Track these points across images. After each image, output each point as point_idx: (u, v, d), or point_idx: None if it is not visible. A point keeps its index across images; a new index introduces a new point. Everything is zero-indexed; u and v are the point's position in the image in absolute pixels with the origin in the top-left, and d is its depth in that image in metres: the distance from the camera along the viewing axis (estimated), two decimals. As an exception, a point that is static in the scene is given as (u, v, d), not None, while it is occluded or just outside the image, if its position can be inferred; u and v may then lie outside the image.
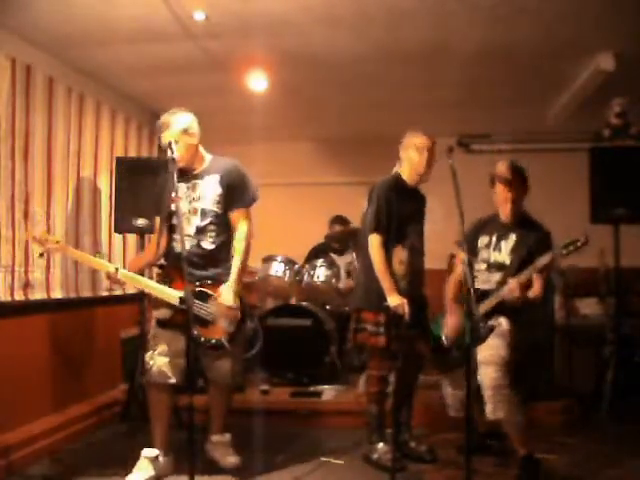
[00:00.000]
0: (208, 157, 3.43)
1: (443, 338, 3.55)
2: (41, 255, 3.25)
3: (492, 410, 3.22)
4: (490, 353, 3.25)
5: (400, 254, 3.51)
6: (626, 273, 4.53)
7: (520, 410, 3.24)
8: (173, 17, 3.66)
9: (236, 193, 3.36)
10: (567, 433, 3.98)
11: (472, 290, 2.78)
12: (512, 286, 3.21)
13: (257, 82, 4.67)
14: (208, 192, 3.34)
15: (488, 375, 3.24)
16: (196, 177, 3.36)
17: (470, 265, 2.82)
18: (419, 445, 3.64)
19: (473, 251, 3.49)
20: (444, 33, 3.96)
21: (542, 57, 4.33)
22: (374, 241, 3.49)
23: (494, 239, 3.48)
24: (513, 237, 3.42)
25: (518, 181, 3.44)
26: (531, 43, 4.07)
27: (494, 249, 3.46)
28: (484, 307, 3.28)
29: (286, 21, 3.76)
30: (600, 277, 5.10)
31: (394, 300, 3.38)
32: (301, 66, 4.53)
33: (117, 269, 3.20)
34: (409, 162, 3.59)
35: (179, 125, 3.26)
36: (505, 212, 3.49)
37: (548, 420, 4.20)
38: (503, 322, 3.31)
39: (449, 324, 3.54)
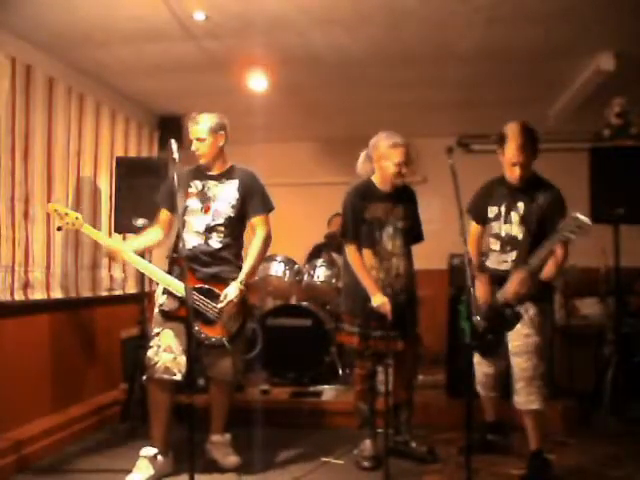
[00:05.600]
0: (229, 163, 3.53)
1: (475, 319, 3.05)
2: (59, 228, 3.25)
3: (524, 402, 3.19)
4: (520, 342, 3.19)
5: (370, 260, 3.50)
6: (626, 273, 4.52)
7: (547, 403, 3.21)
8: (173, 17, 3.66)
9: (255, 200, 3.47)
10: (567, 433, 3.98)
11: (472, 290, 2.76)
12: (517, 284, 3.10)
13: (257, 82, 4.68)
14: (225, 195, 3.43)
15: (519, 366, 3.19)
16: (214, 178, 3.46)
17: (470, 263, 2.79)
18: (420, 445, 3.64)
19: (484, 220, 3.43)
20: (444, 33, 3.96)
21: (542, 57, 4.33)
22: (348, 251, 3.58)
23: (503, 210, 3.32)
24: (522, 206, 3.26)
25: (530, 143, 3.20)
26: (531, 43, 4.07)
27: (505, 221, 3.31)
28: (504, 294, 3.19)
29: (286, 21, 3.76)
30: (600, 277, 5.09)
31: (377, 300, 3.40)
32: (301, 66, 4.54)
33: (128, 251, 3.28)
34: (384, 171, 3.56)
35: (208, 123, 3.38)
36: (513, 175, 3.25)
37: (548, 420, 4.19)
38: (530, 308, 3.20)
39: (479, 294, 3.29)
